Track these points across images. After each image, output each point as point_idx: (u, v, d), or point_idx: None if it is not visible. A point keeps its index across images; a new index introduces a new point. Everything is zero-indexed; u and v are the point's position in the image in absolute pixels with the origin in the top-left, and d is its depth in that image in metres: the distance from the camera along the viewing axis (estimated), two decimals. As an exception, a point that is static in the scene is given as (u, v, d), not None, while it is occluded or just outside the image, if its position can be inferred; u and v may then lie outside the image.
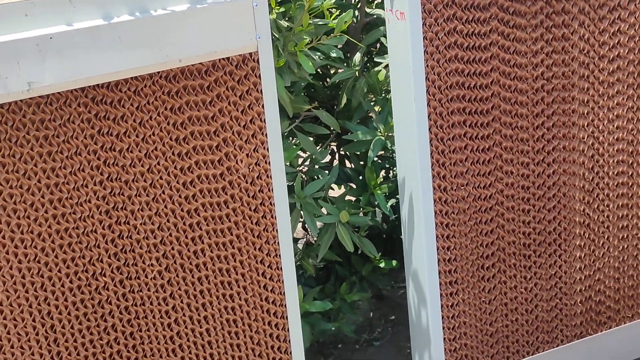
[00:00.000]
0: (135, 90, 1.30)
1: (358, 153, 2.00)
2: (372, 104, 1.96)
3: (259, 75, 1.39)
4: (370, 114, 2.00)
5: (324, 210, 1.82)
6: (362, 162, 2.01)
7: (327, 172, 1.90)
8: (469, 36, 1.62)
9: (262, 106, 1.42)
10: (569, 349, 1.94)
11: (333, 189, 2.06)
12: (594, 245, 1.89)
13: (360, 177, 1.98)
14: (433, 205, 1.69)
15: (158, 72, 1.30)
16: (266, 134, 1.44)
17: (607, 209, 1.88)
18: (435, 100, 1.63)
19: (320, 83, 2.04)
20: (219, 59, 1.35)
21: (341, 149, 2.18)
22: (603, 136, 1.82)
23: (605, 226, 1.89)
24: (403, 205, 1.75)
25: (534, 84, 1.70)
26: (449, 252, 1.75)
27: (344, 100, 1.96)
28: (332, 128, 1.91)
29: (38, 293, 1.31)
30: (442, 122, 1.65)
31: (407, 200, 1.74)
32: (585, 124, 1.79)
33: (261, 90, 1.41)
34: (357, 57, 1.94)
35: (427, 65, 1.60)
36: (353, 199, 1.99)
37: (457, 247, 1.75)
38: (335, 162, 2.23)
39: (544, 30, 1.68)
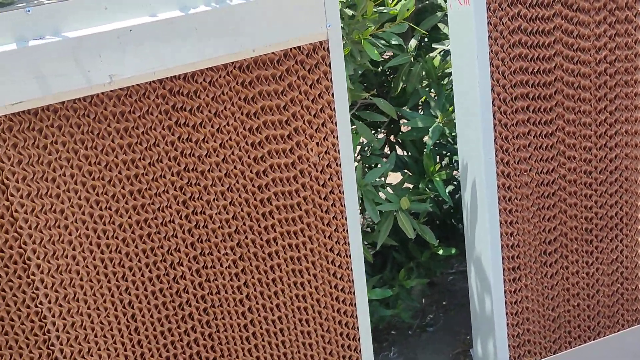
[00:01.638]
0: (211, 80, 1.31)
1: (414, 140, 2.00)
2: (427, 90, 1.96)
3: (329, 63, 1.40)
4: (425, 100, 2.00)
5: (381, 196, 1.82)
6: (418, 150, 2.01)
7: (383, 159, 1.91)
8: (532, 20, 1.61)
9: (332, 94, 1.42)
10: (630, 334, 1.93)
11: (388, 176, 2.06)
12: (656, 229, 1.88)
13: (416, 164, 1.98)
14: (497, 191, 1.69)
15: (232, 63, 1.31)
16: (336, 123, 1.44)
17: (669, 192, 1.87)
18: (499, 85, 1.62)
19: (374, 70, 2.04)
20: (291, 48, 1.36)
21: (394, 135, 2.18)
22: (665, 119, 1.80)
23: (667, 209, 1.88)
24: (465, 191, 1.75)
25: (596, 67, 1.69)
26: (512, 238, 1.75)
27: (400, 87, 1.96)
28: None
29: (120, 283, 1.33)
30: (506, 108, 1.65)
31: (469, 187, 1.73)
32: (648, 107, 1.77)
33: (331, 78, 1.41)
34: (413, 43, 1.93)
35: (491, 51, 1.59)
36: (410, 186, 1.99)
37: (520, 233, 1.75)
38: (387, 149, 2.23)
39: (607, 13, 1.66)
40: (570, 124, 1.71)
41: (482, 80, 1.60)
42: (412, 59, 1.92)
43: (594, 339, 1.90)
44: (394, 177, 2.21)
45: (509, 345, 1.82)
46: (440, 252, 2.01)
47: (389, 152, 2.20)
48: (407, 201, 1.77)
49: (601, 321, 1.90)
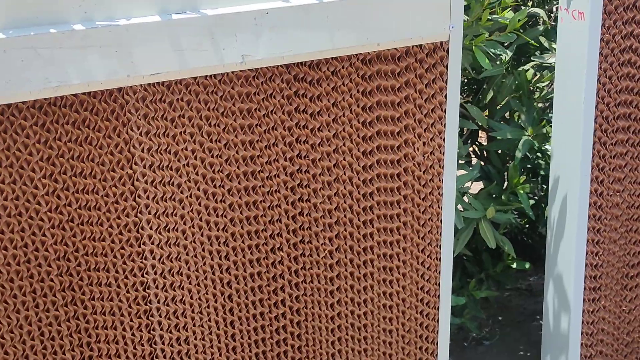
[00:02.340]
0: (334, 70, 1.31)
1: (499, 151, 2.00)
2: (518, 102, 1.95)
3: (447, 65, 1.40)
4: (514, 113, 2.00)
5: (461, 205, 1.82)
6: (501, 161, 2.01)
7: (468, 166, 1.90)
8: (644, 41, 1.60)
9: (445, 96, 1.42)
10: (699, 366, 1.91)
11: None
12: None
13: (499, 175, 1.97)
14: (587, 209, 1.68)
15: (356, 55, 1.32)
16: (444, 124, 1.44)
17: None
18: (604, 103, 1.62)
19: (471, 77, 2.04)
20: (412, 46, 1.36)
21: (476, 145, 2.18)
22: None
23: None
24: (554, 205, 1.75)
25: (700, 94, 1.68)
26: (596, 258, 1.74)
27: (490, 96, 1.95)
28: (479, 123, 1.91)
29: (222, 262, 1.34)
30: (607, 127, 1.64)
31: (559, 201, 1.73)
32: None
33: (446, 80, 1.41)
34: (507, 54, 1.93)
35: (600, 68, 1.59)
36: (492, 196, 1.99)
37: (605, 254, 1.74)
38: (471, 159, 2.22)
39: None
40: (668, 149, 1.70)
41: (588, 96, 1.59)
42: (505, 70, 1.92)
43: (663, 368, 1.89)
44: (475, 187, 2.21)
45: (580, 365, 1.81)
46: (514, 265, 2.00)
47: (470, 161, 2.20)
48: (492, 210, 1.77)
49: (673, 351, 1.89)
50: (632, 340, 1.84)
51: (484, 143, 2.28)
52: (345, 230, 1.44)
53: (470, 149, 2.17)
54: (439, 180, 1.49)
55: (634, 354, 1.85)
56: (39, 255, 1.20)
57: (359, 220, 1.44)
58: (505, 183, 1.95)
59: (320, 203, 1.39)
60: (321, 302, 1.47)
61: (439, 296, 1.58)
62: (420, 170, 1.46)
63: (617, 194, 1.70)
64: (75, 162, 1.18)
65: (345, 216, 1.43)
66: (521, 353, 2.25)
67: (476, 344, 2.34)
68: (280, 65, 1.27)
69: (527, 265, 2.01)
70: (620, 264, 1.76)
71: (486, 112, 2.04)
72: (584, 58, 1.57)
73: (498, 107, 1.96)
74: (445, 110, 1.44)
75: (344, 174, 1.39)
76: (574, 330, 1.77)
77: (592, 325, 1.79)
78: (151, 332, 1.33)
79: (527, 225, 2.31)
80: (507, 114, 2.06)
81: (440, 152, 1.47)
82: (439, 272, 1.56)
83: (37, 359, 1.25)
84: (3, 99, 1.08)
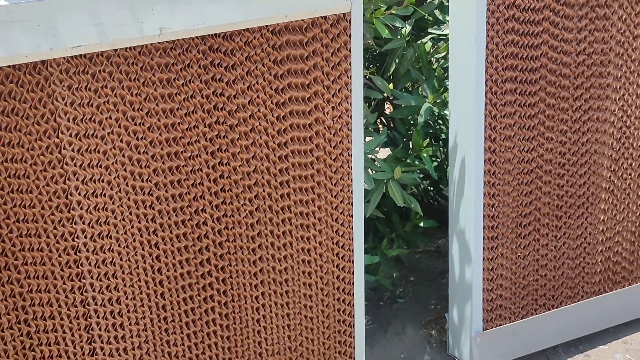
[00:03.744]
0: (246, 41, 1.42)
1: (403, 118, 2.15)
2: (418, 72, 2.11)
3: (350, 34, 1.53)
4: (416, 83, 2.15)
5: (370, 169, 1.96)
6: (406, 127, 2.16)
7: (376, 133, 2.05)
8: (525, 11, 1.77)
9: (350, 63, 1.55)
10: (588, 304, 2.12)
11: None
12: (616, 210, 2.08)
13: (404, 141, 2.12)
14: (483, 165, 1.85)
15: (266, 26, 1.43)
16: (350, 90, 1.57)
17: (630, 177, 2.07)
18: (492, 68, 1.79)
19: (375, 49, 2.18)
20: (318, 17, 1.48)
21: (381, 114, 2.32)
22: (631, 110, 2.00)
23: (627, 193, 2.08)
24: (454, 165, 1.91)
25: (576, 58, 1.87)
26: (493, 210, 1.91)
27: (392, 68, 2.10)
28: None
29: (149, 224, 1.43)
30: (497, 89, 1.81)
31: (458, 160, 1.89)
32: (617, 98, 1.97)
33: (350, 48, 1.54)
34: (407, 28, 2.08)
35: (488, 35, 1.75)
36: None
37: (501, 205, 1.92)
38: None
39: (589, 9, 1.85)
40: (551, 107, 1.89)
41: (478, 61, 1.76)
42: (405, 43, 2.06)
43: (556, 307, 2.09)
44: (382, 153, 2.36)
45: (483, 309, 1.98)
46: (422, 224, 2.16)
47: (378, 129, 2.34)
48: (399, 171, 1.91)
49: (564, 291, 2.09)
50: (527, 284, 2.03)
51: (388, 113, 2.43)
52: (264, 191, 1.55)
53: (377, 119, 2.32)
54: (348, 142, 1.61)
55: (530, 295, 2.05)
56: (-27, 223, 1.25)
57: (276, 181, 1.55)
58: (410, 148, 2.10)
59: (239, 166, 1.50)
60: (244, 260, 1.57)
61: (353, 250, 1.71)
62: (330, 133, 1.59)
63: (509, 150, 1.87)
64: (3, 133, 1.24)
65: (263, 178, 1.53)
66: (432, 307, 2.42)
67: (391, 303, 2.50)
68: (196, 37, 1.36)
69: (434, 224, 2.17)
70: (514, 214, 1.94)
71: (391, 85, 2.19)
72: (472, 27, 1.73)
73: (400, 77, 2.10)
74: (350, 76, 1.56)
75: (260, 138, 1.50)
76: (476, 278, 1.94)
77: (492, 271, 1.96)
78: (84, 293, 1.40)
79: (431, 188, 2.48)
80: (409, 85, 2.21)
81: (348, 116, 1.59)
82: (352, 228, 1.69)
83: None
84: None
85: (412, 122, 2.17)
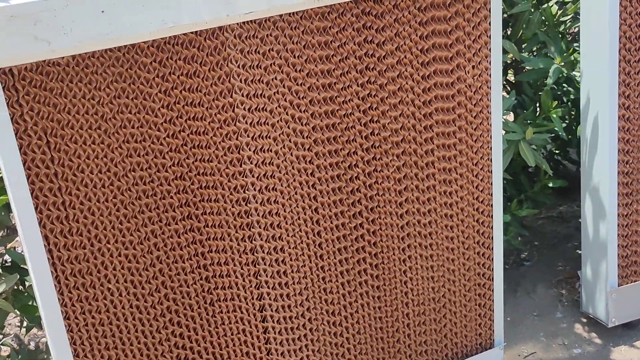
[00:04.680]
0: (395, 4, 1.51)
1: (530, 81, 2.19)
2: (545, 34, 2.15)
3: (490, -5, 1.60)
4: (542, 46, 2.19)
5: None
6: (533, 90, 2.21)
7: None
8: (659, -34, 1.79)
9: (489, 23, 1.62)
10: None
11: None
12: None
13: (532, 102, 2.17)
14: (617, 122, 1.88)
15: (413, -11, 1.52)
16: (490, 49, 1.64)
17: None
18: (626, 24, 1.81)
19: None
20: (460, -21, 1.56)
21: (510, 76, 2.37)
22: None
23: None
24: (586, 122, 1.94)
25: None
26: (627, 166, 1.93)
27: (520, 33, 2.15)
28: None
29: (308, 178, 1.55)
30: (630, 46, 1.83)
31: (591, 117, 1.92)
32: None
33: (489, 9, 1.61)
34: (533, -8, 2.12)
35: (622, -7, 1.78)
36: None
37: (635, 162, 1.94)
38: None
39: None
40: (686, 62, 1.89)
41: (612, 19, 1.79)
42: (531, 6, 2.11)
43: (693, 265, 2.09)
44: (509, 118, 2.40)
45: (618, 265, 2.01)
46: (551, 184, 2.20)
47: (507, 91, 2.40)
48: (531, 131, 1.96)
49: (700, 249, 2.09)
50: (663, 240, 2.04)
51: (512, 79, 2.48)
52: (410, 147, 1.64)
53: (504, 82, 2.37)
54: (488, 99, 1.69)
55: (666, 252, 2.06)
56: (161, 176, 1.40)
57: (421, 137, 1.64)
58: (538, 110, 2.15)
59: (388, 123, 1.59)
60: (392, 213, 1.67)
61: (492, 205, 1.78)
62: (471, 91, 1.66)
63: (643, 106, 1.89)
64: (187, 93, 1.38)
65: (409, 134, 1.63)
66: (560, 268, 2.46)
67: (517, 266, 2.55)
68: (350, 1, 1.47)
69: (563, 183, 2.21)
70: (649, 170, 1.96)
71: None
72: (607, -16, 1.76)
73: (527, 41, 2.15)
74: (489, 36, 1.63)
75: (407, 96, 1.59)
76: (611, 234, 1.97)
77: (626, 227, 1.99)
78: (253, 241, 1.53)
79: (557, 151, 2.51)
80: (534, 49, 2.25)
81: (488, 74, 1.66)
82: (491, 184, 1.76)
83: (162, 267, 1.46)
84: (129, 39, 1.28)
85: (539, 84, 2.21)
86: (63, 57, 1.25)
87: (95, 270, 1.40)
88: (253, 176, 1.49)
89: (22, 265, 1.69)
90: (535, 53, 2.25)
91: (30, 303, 1.64)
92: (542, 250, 2.61)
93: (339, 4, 1.46)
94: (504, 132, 2.01)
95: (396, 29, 1.53)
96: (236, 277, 1.54)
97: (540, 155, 2.36)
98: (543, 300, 2.28)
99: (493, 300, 1.88)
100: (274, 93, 1.46)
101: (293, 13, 1.42)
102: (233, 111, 1.43)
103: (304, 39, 1.45)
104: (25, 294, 1.63)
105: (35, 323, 1.75)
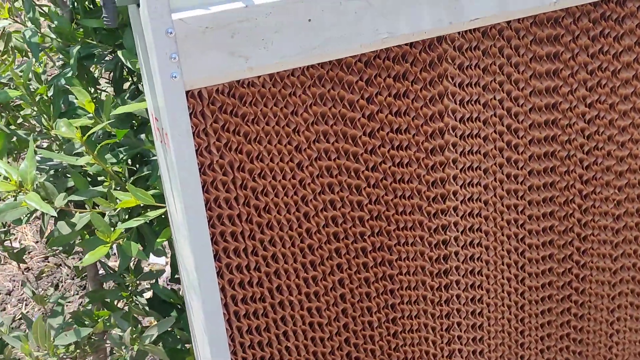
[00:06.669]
0: (639, 6, 1.22)
1: None
2: None
3: None
4: None
5: None
6: None
7: None
8: None
9: None
10: None
11: None
12: None
13: None
14: None
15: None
16: None
17: None
18: None
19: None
20: None
21: None
22: None
23: None
24: None
25: None
26: None
27: None
28: None
29: (518, 216, 1.28)
30: None
31: None
32: None
33: None
34: None
35: None
36: None
37: None
38: None
39: None
40: None
41: None
42: None
43: None
44: None
45: None
46: None
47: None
48: None
49: None
50: None
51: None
52: (635, 178, 1.35)
53: None
54: None
55: None
56: (355, 216, 1.16)
57: (647, 168, 1.35)
58: None
59: (613, 150, 1.31)
60: (605, 255, 1.39)
61: None
62: None
63: None
64: (393, 118, 1.12)
65: (636, 163, 1.34)
66: None
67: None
68: (589, 3, 1.18)
69: None
70: None
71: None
72: None
73: None
74: None
75: (639, 117, 1.31)
76: None
77: None
78: (449, 290, 1.28)
79: None
80: None
81: None
82: None
83: (348, 321, 1.22)
84: (337, 54, 1.03)
85: None
86: (259, 76, 1.01)
87: (273, 328, 1.17)
88: (457, 215, 1.23)
89: (166, 299, 1.48)
90: None
91: (178, 347, 1.42)
92: None
93: (576, 7, 1.17)
94: None
95: (637, 36, 1.24)
96: (427, 331, 1.29)
97: None
98: None
99: (703, 354, 1.59)
100: (491, 116, 1.19)
101: (523, 19, 1.14)
102: (442, 138, 1.17)
103: (532, 50, 1.17)
104: (177, 336, 1.41)
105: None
